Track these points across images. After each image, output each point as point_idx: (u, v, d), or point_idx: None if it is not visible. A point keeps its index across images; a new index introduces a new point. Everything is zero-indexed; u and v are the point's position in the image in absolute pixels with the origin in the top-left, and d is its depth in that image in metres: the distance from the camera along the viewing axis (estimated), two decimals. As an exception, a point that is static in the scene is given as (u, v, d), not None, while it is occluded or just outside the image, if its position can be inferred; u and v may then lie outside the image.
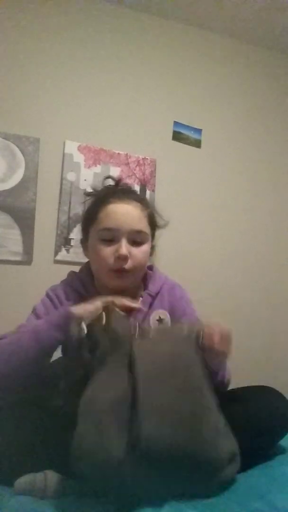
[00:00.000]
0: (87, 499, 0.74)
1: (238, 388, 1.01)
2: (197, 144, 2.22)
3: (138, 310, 1.00)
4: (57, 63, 2.00)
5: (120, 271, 0.96)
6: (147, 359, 0.78)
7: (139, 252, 0.98)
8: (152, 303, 1.04)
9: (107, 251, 0.96)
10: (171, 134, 2.18)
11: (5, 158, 1.86)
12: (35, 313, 1.01)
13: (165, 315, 1.03)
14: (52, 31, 2.00)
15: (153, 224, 1.05)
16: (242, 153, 2.32)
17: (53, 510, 0.71)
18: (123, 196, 1.01)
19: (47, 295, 1.05)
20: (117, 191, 1.05)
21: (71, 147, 1.97)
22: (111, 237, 0.97)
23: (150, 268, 1.12)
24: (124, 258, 0.95)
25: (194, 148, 2.21)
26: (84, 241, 1.08)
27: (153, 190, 2.08)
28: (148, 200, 1.11)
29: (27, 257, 1.86)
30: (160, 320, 1.02)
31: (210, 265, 2.19)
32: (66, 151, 1.96)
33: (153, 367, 0.77)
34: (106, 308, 0.88)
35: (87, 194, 1.10)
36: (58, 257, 1.90)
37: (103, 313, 0.87)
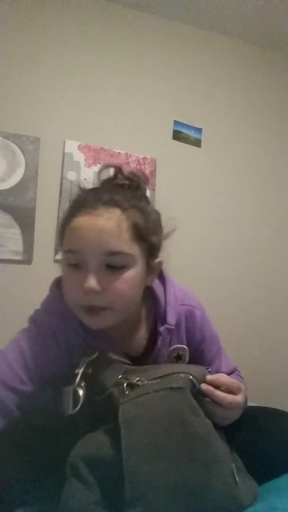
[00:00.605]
0: None
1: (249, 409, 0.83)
2: (197, 143, 2.22)
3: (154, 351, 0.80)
4: (57, 62, 2.00)
5: (91, 310, 0.70)
6: (135, 430, 0.63)
7: (119, 281, 0.70)
8: (171, 338, 0.82)
9: (73, 281, 0.70)
10: (171, 133, 2.18)
11: (5, 158, 1.86)
12: (19, 345, 0.77)
13: (184, 350, 0.83)
14: (52, 30, 2.00)
15: (146, 237, 0.74)
16: (243, 152, 2.32)
17: None
18: (95, 202, 0.71)
19: (38, 327, 0.79)
20: (91, 195, 0.74)
21: (71, 146, 1.97)
22: (76, 262, 0.71)
23: (162, 281, 0.87)
24: (91, 293, 0.68)
25: (194, 147, 2.21)
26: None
27: (153, 190, 2.08)
28: (142, 202, 0.77)
29: (27, 257, 1.86)
30: (178, 357, 0.83)
31: (211, 265, 2.19)
32: (66, 150, 1.96)
33: (142, 438, 0.63)
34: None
35: (72, 201, 0.80)
36: (58, 257, 1.90)
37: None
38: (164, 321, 0.81)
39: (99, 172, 0.83)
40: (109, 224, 0.69)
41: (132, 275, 0.71)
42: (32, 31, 1.97)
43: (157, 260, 0.80)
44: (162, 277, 0.87)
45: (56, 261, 1.89)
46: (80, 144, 1.98)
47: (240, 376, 0.92)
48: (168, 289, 0.85)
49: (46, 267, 1.86)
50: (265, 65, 2.41)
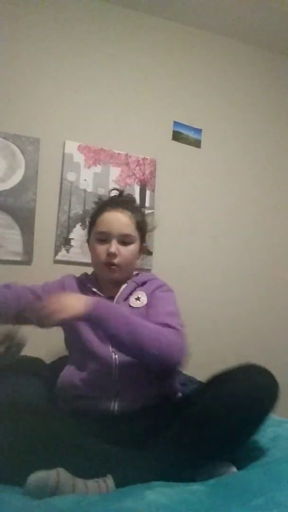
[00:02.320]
0: (91, 499, 0.75)
1: (222, 370, 1.01)
2: (197, 144, 2.23)
3: (119, 294, 1.23)
4: (57, 63, 2.00)
5: (110, 265, 1.19)
6: None
7: (127, 251, 1.21)
8: (135, 288, 1.24)
9: (101, 249, 1.20)
10: (171, 134, 2.18)
11: (5, 158, 1.86)
12: (44, 283, 1.24)
13: (143, 295, 1.21)
14: (52, 31, 2.01)
15: (141, 229, 1.26)
16: (242, 153, 2.32)
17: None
18: (116, 205, 1.24)
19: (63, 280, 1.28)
20: (113, 201, 1.28)
21: (71, 147, 1.97)
22: (104, 238, 1.20)
23: (148, 271, 1.34)
24: (113, 255, 1.18)
25: (194, 148, 2.22)
26: (88, 240, 1.30)
27: (153, 190, 2.09)
28: (139, 210, 1.32)
29: (27, 257, 1.86)
30: (138, 299, 1.20)
31: (210, 265, 2.19)
32: (66, 151, 1.97)
33: None
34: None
35: (95, 202, 1.36)
36: (58, 257, 1.90)
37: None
38: (133, 279, 1.28)
39: (109, 192, 1.40)
40: (125, 218, 1.22)
41: (133, 249, 1.23)
42: (32, 32, 1.97)
43: (144, 244, 1.31)
44: (149, 270, 1.32)
45: (56, 261, 1.89)
46: (80, 145, 1.99)
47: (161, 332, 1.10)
48: (150, 273, 1.39)
49: (46, 268, 1.86)
50: (265, 66, 2.42)
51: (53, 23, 2.01)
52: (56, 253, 1.90)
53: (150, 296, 1.21)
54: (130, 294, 1.22)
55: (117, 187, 1.40)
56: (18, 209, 1.86)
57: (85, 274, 1.32)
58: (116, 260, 1.18)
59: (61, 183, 1.95)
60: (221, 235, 2.23)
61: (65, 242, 1.92)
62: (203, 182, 2.22)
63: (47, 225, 1.90)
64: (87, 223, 1.37)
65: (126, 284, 1.24)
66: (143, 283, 1.25)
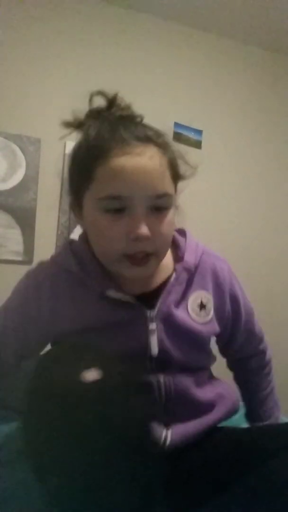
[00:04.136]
0: None
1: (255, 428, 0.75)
2: (197, 145, 2.23)
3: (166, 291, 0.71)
4: (57, 63, 2.01)
5: (139, 258, 0.64)
6: None
7: (164, 225, 0.64)
8: (191, 281, 0.73)
9: (116, 230, 0.63)
10: (171, 135, 2.18)
11: (6, 158, 1.87)
12: (5, 308, 0.76)
13: (209, 299, 0.74)
14: (53, 31, 2.01)
15: (177, 175, 0.70)
16: (243, 154, 2.33)
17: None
18: (131, 137, 0.63)
19: (25, 288, 0.74)
20: (121, 127, 0.65)
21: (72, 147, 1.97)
22: (120, 207, 0.62)
23: (181, 232, 0.80)
24: (146, 239, 0.62)
25: (194, 149, 2.22)
26: (74, 207, 0.73)
27: (154, 191, 2.09)
28: (165, 137, 0.70)
29: (28, 257, 1.86)
30: (202, 306, 0.73)
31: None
32: (67, 151, 1.97)
33: None
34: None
35: (65, 125, 0.77)
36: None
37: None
38: (180, 259, 0.74)
39: (90, 101, 0.79)
40: (155, 162, 0.62)
41: (172, 216, 0.67)
42: (33, 33, 1.97)
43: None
44: (182, 231, 0.80)
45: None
46: (80, 145, 1.99)
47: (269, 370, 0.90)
48: (189, 236, 0.79)
49: (47, 268, 1.86)
50: (265, 66, 2.42)
51: (54, 23, 2.01)
52: (56, 253, 1.91)
53: (218, 295, 0.76)
54: (185, 292, 0.72)
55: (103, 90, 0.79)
56: (19, 209, 1.86)
57: (72, 256, 0.72)
58: (149, 247, 0.64)
59: (62, 183, 1.95)
60: (221, 236, 2.24)
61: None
62: (203, 183, 2.23)
63: (48, 225, 1.91)
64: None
65: (175, 274, 0.72)
66: (197, 266, 0.74)
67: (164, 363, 0.69)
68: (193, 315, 0.72)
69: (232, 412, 0.78)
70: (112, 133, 0.64)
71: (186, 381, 0.71)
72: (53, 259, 0.76)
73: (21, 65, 1.95)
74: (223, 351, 0.87)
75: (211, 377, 0.81)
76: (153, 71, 2.18)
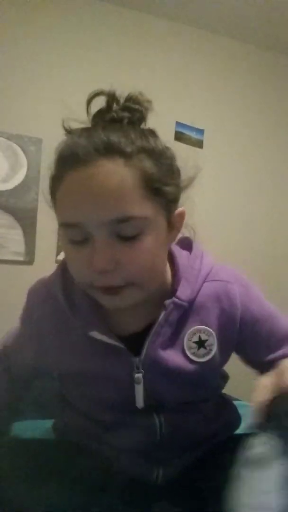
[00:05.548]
0: None
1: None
2: (199, 144, 2.22)
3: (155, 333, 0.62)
4: (59, 63, 2.01)
5: (108, 289, 0.55)
6: None
7: (135, 253, 0.54)
8: (185, 318, 0.63)
9: (79, 260, 0.55)
10: (173, 135, 2.18)
11: (7, 159, 1.86)
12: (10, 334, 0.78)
13: (209, 335, 0.63)
14: (54, 31, 2.01)
15: (160, 189, 0.56)
16: (245, 153, 2.32)
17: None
18: (87, 152, 0.52)
19: (25, 306, 0.72)
20: (81, 141, 0.54)
21: (73, 148, 1.97)
22: (80, 238, 0.54)
23: (187, 245, 0.72)
24: (103, 273, 0.53)
25: (196, 148, 2.21)
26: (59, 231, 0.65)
27: (155, 191, 2.08)
28: (150, 139, 0.58)
29: (29, 257, 1.86)
30: (200, 343, 0.62)
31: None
32: (68, 151, 1.97)
33: None
34: None
35: (67, 130, 0.65)
36: (60, 257, 1.90)
37: None
38: (173, 292, 0.62)
39: (88, 104, 0.64)
40: (110, 182, 0.51)
41: (150, 242, 0.54)
42: (34, 33, 1.97)
43: (177, 211, 0.63)
44: (187, 243, 0.71)
45: (58, 261, 1.89)
46: (82, 145, 1.99)
47: None
48: (195, 254, 0.68)
49: (48, 268, 1.84)
50: (267, 66, 2.41)
51: (55, 24, 2.01)
52: (58, 253, 1.90)
53: (226, 326, 0.64)
54: (176, 331, 0.63)
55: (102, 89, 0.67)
56: (20, 209, 1.86)
57: (60, 287, 0.65)
58: (114, 280, 0.54)
59: (63, 184, 1.95)
60: (222, 236, 2.23)
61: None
62: (205, 183, 2.22)
63: (49, 225, 1.88)
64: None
65: (164, 313, 0.61)
66: (193, 299, 0.63)
67: (157, 407, 0.63)
68: (190, 355, 0.62)
69: (233, 432, 0.74)
70: (71, 150, 0.54)
71: (186, 419, 0.65)
72: (46, 280, 0.70)
73: (22, 65, 1.94)
74: (250, 364, 0.73)
75: (218, 402, 0.73)
76: (154, 70, 2.18)
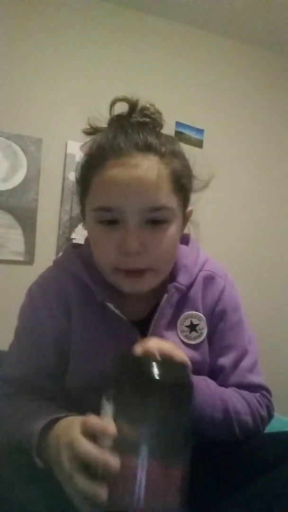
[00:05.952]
0: None
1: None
2: (199, 144, 2.22)
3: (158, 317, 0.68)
4: (58, 63, 2.00)
5: (131, 273, 0.62)
6: None
7: (161, 239, 0.62)
8: (183, 301, 0.70)
9: (108, 242, 0.62)
10: (173, 134, 2.17)
11: (7, 158, 1.86)
12: (17, 339, 0.76)
13: (200, 319, 0.70)
14: (53, 31, 2.01)
15: (182, 187, 0.66)
16: (244, 153, 2.32)
17: None
18: (128, 148, 0.61)
19: (31, 302, 0.74)
20: (121, 138, 0.62)
21: (73, 147, 1.97)
22: (112, 219, 0.61)
23: (185, 240, 0.78)
24: (134, 255, 0.60)
25: (196, 148, 2.21)
26: (82, 214, 0.71)
27: (155, 190, 2.08)
28: (174, 144, 0.68)
29: (29, 257, 1.86)
30: (192, 327, 0.69)
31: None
32: (68, 151, 1.97)
33: None
34: None
35: (85, 131, 0.75)
36: (60, 257, 1.91)
37: None
38: (174, 278, 0.70)
39: (112, 107, 0.74)
40: (149, 175, 0.60)
41: (173, 231, 0.64)
42: (34, 33, 1.97)
43: (188, 209, 0.73)
44: (185, 238, 0.78)
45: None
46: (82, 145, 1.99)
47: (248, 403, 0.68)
48: (192, 247, 0.77)
49: (48, 268, 1.86)
50: (266, 66, 2.41)
51: (54, 24, 2.01)
52: (58, 253, 1.90)
53: (212, 319, 0.71)
54: (175, 314, 0.69)
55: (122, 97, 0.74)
56: (20, 209, 1.86)
57: (77, 259, 0.73)
58: (140, 263, 0.62)
59: (63, 183, 1.95)
60: (222, 236, 2.23)
61: (67, 242, 1.92)
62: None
63: (49, 225, 1.91)
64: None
65: (166, 295, 0.68)
66: (190, 286, 0.71)
67: None
68: (183, 337, 0.69)
69: None
70: (111, 142, 0.62)
71: None
72: (57, 263, 0.78)
73: (23, 65, 1.94)
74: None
75: None
76: (154, 70, 2.18)
